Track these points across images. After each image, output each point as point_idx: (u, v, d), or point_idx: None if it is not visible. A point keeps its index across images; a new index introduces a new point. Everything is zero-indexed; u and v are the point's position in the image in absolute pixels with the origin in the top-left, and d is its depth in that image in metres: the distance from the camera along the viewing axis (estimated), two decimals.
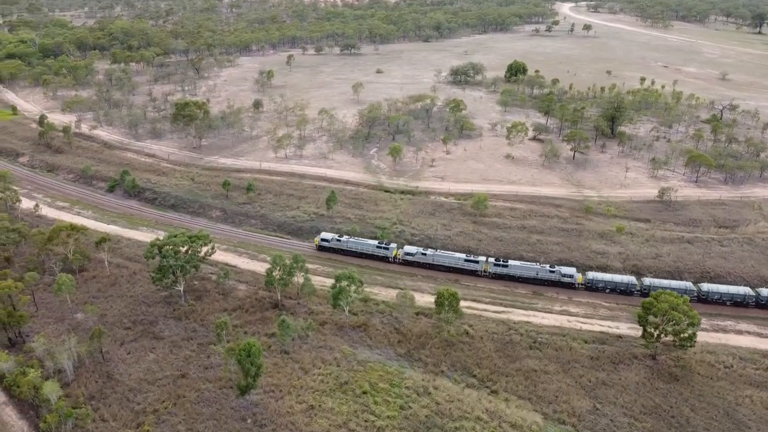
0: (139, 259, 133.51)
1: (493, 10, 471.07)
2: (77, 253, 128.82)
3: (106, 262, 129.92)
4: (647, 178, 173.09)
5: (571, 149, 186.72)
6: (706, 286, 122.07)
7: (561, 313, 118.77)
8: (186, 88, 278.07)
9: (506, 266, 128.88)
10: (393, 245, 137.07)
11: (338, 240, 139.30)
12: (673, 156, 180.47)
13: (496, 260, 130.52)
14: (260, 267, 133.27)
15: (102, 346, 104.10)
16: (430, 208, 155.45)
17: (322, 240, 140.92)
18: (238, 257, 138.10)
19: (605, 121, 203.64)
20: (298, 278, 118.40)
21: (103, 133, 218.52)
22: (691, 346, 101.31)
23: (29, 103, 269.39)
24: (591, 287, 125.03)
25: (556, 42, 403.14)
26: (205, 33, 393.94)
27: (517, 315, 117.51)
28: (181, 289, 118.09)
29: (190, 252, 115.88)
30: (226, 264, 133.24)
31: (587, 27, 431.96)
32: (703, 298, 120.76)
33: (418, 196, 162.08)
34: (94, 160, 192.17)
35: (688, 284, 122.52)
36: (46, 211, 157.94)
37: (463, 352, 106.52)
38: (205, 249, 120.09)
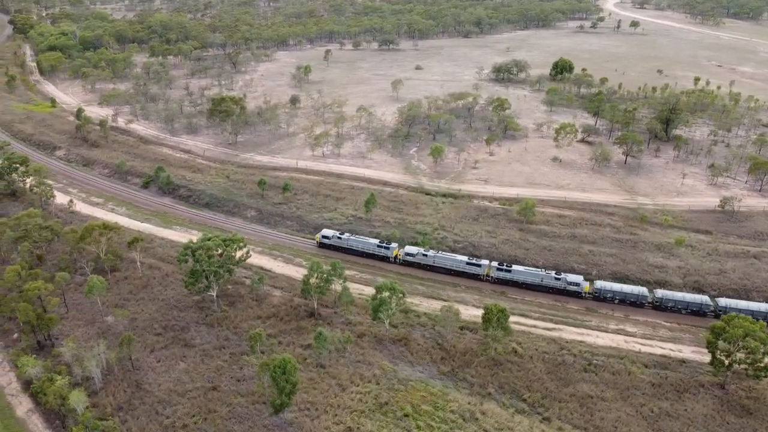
0: (171, 260, 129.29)
1: (536, 6, 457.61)
2: (109, 253, 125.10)
3: (138, 263, 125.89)
4: (706, 186, 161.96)
5: (623, 153, 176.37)
6: None
7: (617, 332, 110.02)
8: (223, 82, 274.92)
9: (509, 271, 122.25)
10: (394, 245, 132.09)
11: (339, 238, 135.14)
12: (734, 162, 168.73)
13: (499, 264, 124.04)
14: (296, 272, 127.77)
15: (131, 353, 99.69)
16: (474, 213, 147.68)
17: (323, 237, 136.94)
18: (273, 260, 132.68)
19: (659, 123, 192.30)
20: (336, 286, 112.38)
21: (139, 128, 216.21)
22: (766, 376, 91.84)
23: (68, 95, 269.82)
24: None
25: (601, 39, 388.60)
26: (242, 27, 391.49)
27: (569, 333, 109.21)
28: (214, 294, 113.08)
29: (224, 256, 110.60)
30: (261, 268, 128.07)
31: (635, 24, 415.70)
32: None
33: (460, 199, 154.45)
34: (130, 155, 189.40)
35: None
36: (80, 207, 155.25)
37: (512, 372, 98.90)
38: (239, 253, 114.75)
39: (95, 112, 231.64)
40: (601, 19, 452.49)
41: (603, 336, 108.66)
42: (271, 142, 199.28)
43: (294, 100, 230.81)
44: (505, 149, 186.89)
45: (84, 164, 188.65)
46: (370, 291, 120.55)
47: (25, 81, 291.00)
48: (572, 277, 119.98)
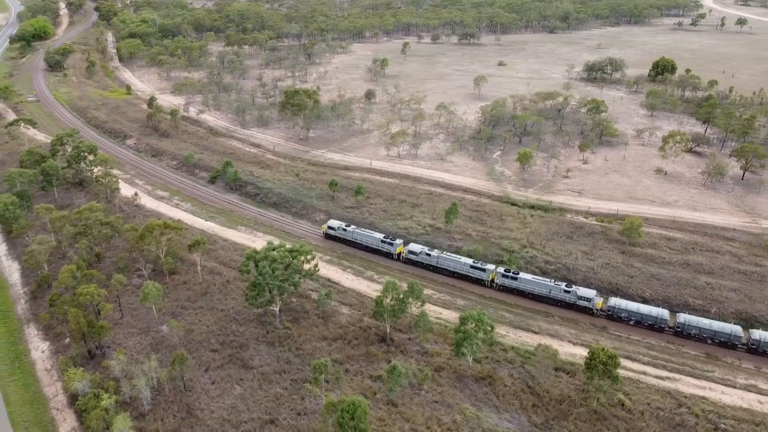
0: (234, 265, 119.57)
1: (628, 0, 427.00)
2: (169, 255, 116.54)
3: (198, 267, 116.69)
4: None
5: (741, 167, 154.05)
6: None
7: (747, 388, 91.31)
8: (296, 73, 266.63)
9: (515, 279, 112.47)
10: (398, 241, 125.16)
11: (344, 229, 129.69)
12: None
13: (505, 271, 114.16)
14: (366, 286, 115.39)
15: (184, 372, 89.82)
16: (567, 230, 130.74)
17: (329, 228, 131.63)
18: (342, 272, 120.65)
19: None
20: (413, 308, 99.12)
21: (210, 118, 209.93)
22: None
23: (143, 82, 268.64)
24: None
25: (703, 38, 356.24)
26: (318, 17, 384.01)
27: (687, 384, 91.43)
28: (277, 309, 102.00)
29: (289, 269, 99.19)
30: (328, 280, 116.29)
31: (741, 21, 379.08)
32: None
33: (551, 213, 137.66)
34: (198, 147, 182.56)
35: None
36: (145, 200, 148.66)
37: (619, 431, 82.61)
38: (307, 266, 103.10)
39: (168, 100, 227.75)
40: (702, 16, 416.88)
41: (730, 392, 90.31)
42: (344, 138, 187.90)
43: (369, 95, 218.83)
44: (601, 157, 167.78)
45: (153, 155, 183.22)
46: (448, 314, 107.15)
47: (104, 67, 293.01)
48: (584, 291, 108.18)
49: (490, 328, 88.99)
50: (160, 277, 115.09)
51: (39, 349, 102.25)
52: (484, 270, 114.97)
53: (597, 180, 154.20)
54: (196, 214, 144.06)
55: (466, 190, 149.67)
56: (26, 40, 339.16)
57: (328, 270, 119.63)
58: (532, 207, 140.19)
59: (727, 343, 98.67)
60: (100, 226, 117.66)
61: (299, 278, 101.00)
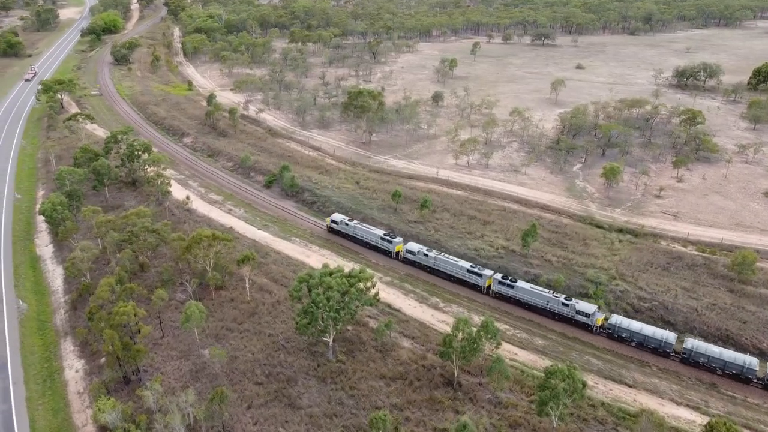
0: (285, 282, 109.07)
1: (719, 1, 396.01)
2: (217, 268, 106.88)
3: (247, 284, 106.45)
4: None
5: None
6: None
7: None
8: (360, 73, 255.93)
9: (512, 287, 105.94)
10: (398, 239, 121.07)
11: (346, 224, 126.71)
12: None
13: (502, 277, 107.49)
14: (431, 316, 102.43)
15: (224, 410, 79.25)
16: (663, 260, 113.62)
17: (332, 222, 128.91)
18: (404, 297, 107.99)
19: None
20: (487, 348, 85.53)
21: (270, 117, 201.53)
22: None
23: (205, 78, 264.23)
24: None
25: None
26: (385, 15, 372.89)
27: None
28: (330, 339, 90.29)
29: (347, 297, 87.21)
30: (388, 306, 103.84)
31: None
32: None
33: (642, 238, 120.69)
34: (256, 148, 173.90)
35: None
36: (196, 204, 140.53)
37: None
38: (365, 294, 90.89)
39: (228, 97, 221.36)
40: None
41: None
42: (409, 144, 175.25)
43: (437, 97, 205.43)
44: (698, 175, 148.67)
45: (209, 154, 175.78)
46: (525, 356, 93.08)
47: (168, 62, 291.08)
48: (582, 305, 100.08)
49: (582, 386, 74.24)
50: (205, 292, 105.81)
51: (73, 367, 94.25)
52: (480, 275, 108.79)
53: (695, 202, 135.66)
54: (248, 221, 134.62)
55: (543, 208, 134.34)
56: (96, 33, 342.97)
57: (387, 294, 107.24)
58: (620, 230, 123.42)
59: (739, 376, 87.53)
60: (146, 234, 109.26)
61: (357, 307, 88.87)
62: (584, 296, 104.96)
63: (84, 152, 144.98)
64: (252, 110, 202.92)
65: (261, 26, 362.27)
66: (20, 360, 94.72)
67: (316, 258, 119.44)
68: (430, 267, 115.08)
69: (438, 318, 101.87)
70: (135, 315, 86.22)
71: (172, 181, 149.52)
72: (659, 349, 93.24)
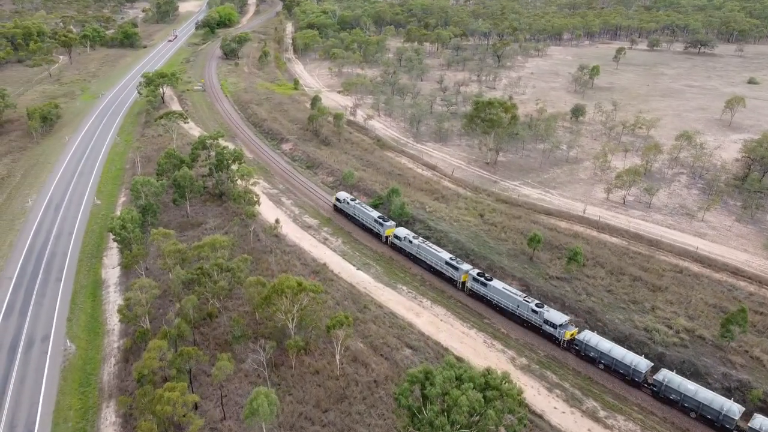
0: (388, 353, 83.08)
1: None
2: (301, 328, 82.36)
3: (338, 354, 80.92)
4: None
5: None
6: None
7: None
8: (483, 78, 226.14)
9: (486, 285, 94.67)
10: (390, 223, 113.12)
11: (348, 203, 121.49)
12: None
13: (477, 274, 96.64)
14: (587, 430, 71.92)
15: None
16: None
17: (337, 199, 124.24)
18: (546, 394, 78.01)
19: None
20: None
21: (379, 125, 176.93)
22: None
23: (313, 77, 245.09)
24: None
25: None
26: (510, 15, 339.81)
27: None
28: None
29: (483, 407, 58.81)
30: (530, 411, 74.23)
31: None
32: None
33: None
34: (361, 162, 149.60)
35: None
36: (287, 228, 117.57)
37: None
38: (505, 404, 61.97)
39: (335, 100, 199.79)
40: None
41: None
42: (544, 168, 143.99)
43: (577, 112, 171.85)
44: None
45: (308, 165, 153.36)
46: None
47: (277, 58, 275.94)
48: (553, 315, 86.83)
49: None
50: (284, 356, 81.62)
51: None
52: (457, 269, 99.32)
53: None
54: (346, 256, 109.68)
55: (735, 272, 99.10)
56: (210, 26, 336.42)
57: (523, 379, 77.66)
58: None
59: (714, 423, 70.81)
60: (219, 273, 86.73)
61: (497, 426, 60.22)
62: None
63: (168, 158, 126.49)
64: (360, 116, 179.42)
65: (375, 23, 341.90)
66: (50, 430, 74.55)
67: (428, 318, 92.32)
68: (413, 255, 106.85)
69: (595, 429, 71.48)
70: (183, 404, 62.75)
71: (263, 197, 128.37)
72: (627, 377, 79.37)
